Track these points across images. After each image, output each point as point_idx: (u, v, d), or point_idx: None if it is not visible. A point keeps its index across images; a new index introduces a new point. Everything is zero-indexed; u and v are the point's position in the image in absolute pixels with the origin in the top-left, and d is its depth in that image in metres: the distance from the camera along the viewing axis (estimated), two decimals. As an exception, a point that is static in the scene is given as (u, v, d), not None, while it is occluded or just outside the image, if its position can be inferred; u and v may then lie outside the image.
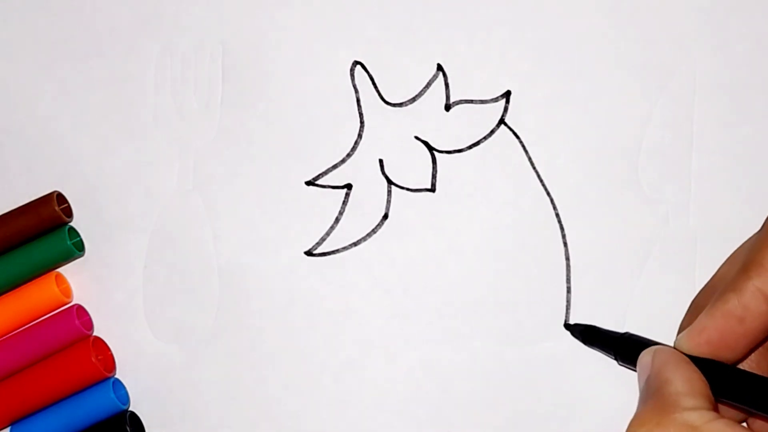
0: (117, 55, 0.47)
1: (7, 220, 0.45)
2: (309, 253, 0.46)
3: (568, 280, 0.44)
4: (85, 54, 0.47)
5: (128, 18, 0.47)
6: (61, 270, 0.46)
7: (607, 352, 0.42)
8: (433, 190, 0.45)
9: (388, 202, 0.46)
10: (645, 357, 0.37)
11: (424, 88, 0.45)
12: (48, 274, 0.46)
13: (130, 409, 0.46)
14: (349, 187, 0.46)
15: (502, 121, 0.45)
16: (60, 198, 0.46)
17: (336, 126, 0.46)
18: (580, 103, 0.44)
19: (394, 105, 0.46)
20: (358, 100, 0.46)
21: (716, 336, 0.35)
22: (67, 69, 0.47)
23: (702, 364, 0.35)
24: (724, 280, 0.38)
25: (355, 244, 0.45)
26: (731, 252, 0.43)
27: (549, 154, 0.45)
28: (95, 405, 0.45)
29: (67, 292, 0.46)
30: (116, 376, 0.46)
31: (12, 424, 0.45)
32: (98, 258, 0.47)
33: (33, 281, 0.46)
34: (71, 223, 0.47)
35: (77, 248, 0.46)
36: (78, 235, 0.46)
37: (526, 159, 0.45)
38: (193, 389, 0.46)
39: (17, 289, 0.46)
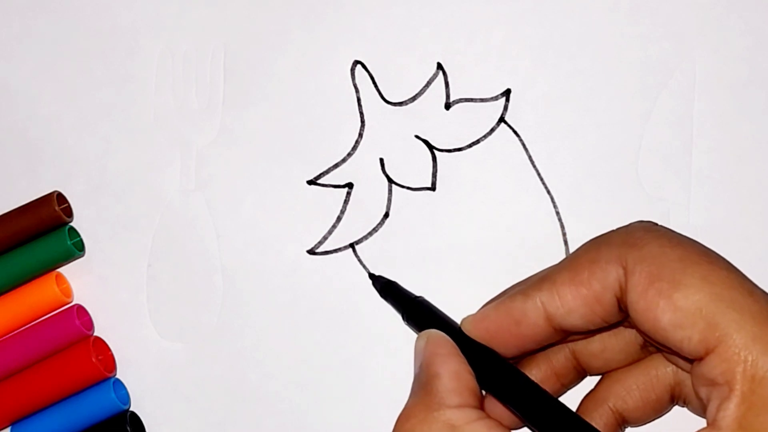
0: (118, 54, 0.47)
1: (8, 219, 0.45)
2: (311, 251, 0.46)
3: (569, 279, 0.44)
4: (86, 54, 0.47)
5: (129, 18, 0.47)
6: (61, 270, 0.46)
7: (396, 309, 0.43)
8: (433, 188, 0.45)
9: (389, 200, 0.46)
10: (419, 341, 0.38)
11: (425, 87, 0.46)
12: (48, 274, 0.46)
13: (131, 409, 0.46)
14: (350, 186, 0.46)
15: (502, 120, 0.45)
16: (60, 198, 0.46)
17: (337, 125, 0.46)
18: (580, 102, 0.45)
19: (394, 104, 0.46)
20: (358, 100, 0.46)
21: (494, 328, 0.37)
22: (68, 69, 0.47)
23: (478, 350, 0.37)
24: (533, 277, 0.39)
25: (356, 242, 0.45)
26: (730, 251, 0.44)
27: (549, 152, 0.45)
28: (95, 405, 0.45)
29: (67, 292, 0.46)
30: (117, 375, 0.46)
31: (12, 424, 0.45)
32: (99, 258, 0.47)
33: (33, 281, 0.46)
34: (72, 223, 0.47)
35: (77, 248, 0.46)
36: (78, 235, 0.46)
37: (527, 157, 0.45)
38: (195, 388, 0.46)
39: (17, 289, 0.46)
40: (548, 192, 0.45)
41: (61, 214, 0.45)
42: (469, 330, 0.38)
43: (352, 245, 0.45)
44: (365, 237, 0.45)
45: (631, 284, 0.34)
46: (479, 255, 0.45)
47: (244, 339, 0.45)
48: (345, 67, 0.46)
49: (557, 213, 0.45)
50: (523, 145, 0.45)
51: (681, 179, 0.44)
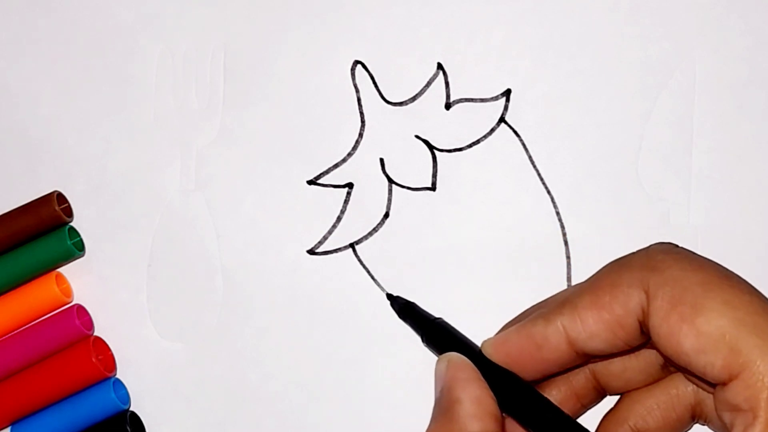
0: (118, 54, 0.47)
1: (8, 219, 0.45)
2: (311, 251, 0.46)
3: (569, 279, 0.44)
4: (86, 53, 0.47)
5: (130, 18, 0.47)
6: (61, 270, 0.46)
7: (415, 331, 0.43)
8: (433, 188, 0.45)
9: (389, 200, 0.46)
10: (440, 365, 0.38)
11: (425, 87, 0.46)
12: (48, 273, 0.46)
13: (131, 408, 0.46)
14: (350, 186, 0.46)
15: (502, 120, 0.45)
16: (60, 198, 0.46)
17: (337, 125, 0.46)
18: (580, 102, 0.45)
19: (394, 104, 0.46)
20: (358, 100, 0.46)
21: (515, 352, 0.37)
22: (69, 69, 0.47)
23: (498, 372, 0.37)
24: (553, 300, 0.39)
25: (356, 242, 0.45)
26: (730, 251, 0.44)
27: (549, 152, 0.45)
28: (95, 405, 0.45)
29: (67, 292, 0.46)
30: (117, 375, 0.46)
31: (12, 424, 0.45)
32: (99, 258, 0.47)
33: (33, 281, 0.46)
34: (72, 223, 0.47)
35: (77, 248, 0.46)
36: (78, 234, 0.46)
37: (527, 157, 0.45)
38: (195, 388, 0.46)
39: (17, 289, 0.46)
40: (548, 192, 0.45)
41: (61, 214, 0.45)
42: (490, 354, 0.38)
43: (352, 245, 0.45)
44: (365, 237, 0.45)
45: (653, 308, 0.34)
46: (479, 255, 0.45)
47: (244, 339, 0.45)
48: (345, 67, 0.46)
49: (557, 213, 0.45)
50: (524, 145, 0.45)
51: (681, 179, 0.44)
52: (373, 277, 0.45)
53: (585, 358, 0.37)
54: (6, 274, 0.45)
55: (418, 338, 0.45)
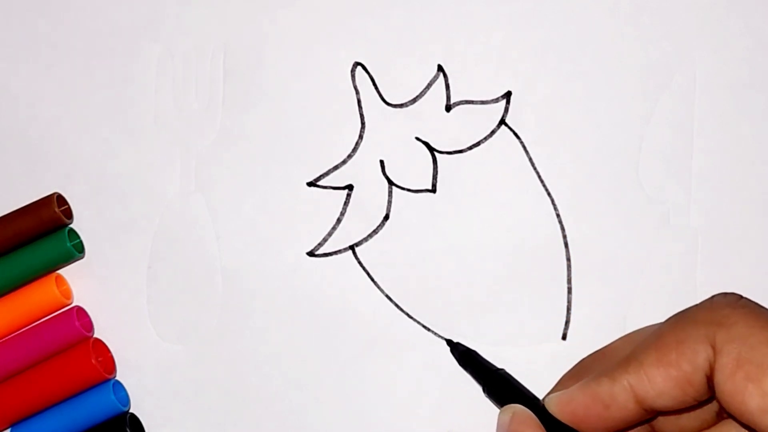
0: (118, 56, 0.47)
1: (8, 221, 0.45)
2: (311, 253, 0.46)
3: (569, 281, 0.44)
4: (86, 55, 0.47)
5: (129, 19, 0.47)
6: (61, 271, 0.46)
7: (476, 380, 0.43)
8: (433, 190, 0.45)
9: (389, 202, 0.46)
10: (503, 416, 0.38)
11: (425, 88, 0.46)
12: (48, 275, 0.46)
13: (131, 410, 0.46)
14: (350, 187, 0.46)
15: (502, 122, 0.45)
16: (60, 199, 0.46)
17: (337, 127, 0.46)
18: (580, 104, 0.45)
19: (394, 106, 0.46)
20: (358, 101, 0.46)
21: (581, 411, 0.36)
22: (68, 70, 0.47)
23: (561, 429, 0.37)
24: (614, 353, 0.39)
25: (356, 244, 0.45)
26: (731, 253, 0.44)
27: (550, 154, 0.45)
28: (95, 407, 0.45)
29: (67, 294, 0.46)
30: (117, 377, 0.46)
31: (12, 425, 0.45)
32: (99, 259, 0.47)
33: (33, 283, 0.46)
34: (72, 225, 0.47)
35: (77, 250, 0.46)
36: (78, 236, 0.46)
37: (527, 159, 0.45)
38: (195, 390, 0.46)
39: (17, 291, 0.46)
40: (549, 194, 0.45)
41: (61, 215, 0.45)
42: (554, 411, 0.37)
43: (352, 247, 0.45)
44: (365, 239, 0.45)
45: (719, 365, 0.33)
46: (479, 257, 0.45)
47: (244, 341, 0.45)
48: (345, 68, 0.46)
49: (558, 215, 0.45)
50: (524, 147, 0.45)
51: (681, 181, 0.44)
52: (373, 279, 0.45)
53: (653, 413, 0.36)
54: (6, 276, 0.45)
55: (417, 340, 0.45)
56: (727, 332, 0.34)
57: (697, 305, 0.36)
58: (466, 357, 0.43)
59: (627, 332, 0.43)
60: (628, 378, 0.35)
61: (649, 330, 0.39)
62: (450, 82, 0.45)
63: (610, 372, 0.36)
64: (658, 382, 0.35)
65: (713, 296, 0.36)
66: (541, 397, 0.39)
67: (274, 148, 0.46)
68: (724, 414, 0.38)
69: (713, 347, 0.34)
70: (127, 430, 0.44)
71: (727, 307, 0.35)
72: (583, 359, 0.40)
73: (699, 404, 0.36)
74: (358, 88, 0.46)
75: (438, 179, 0.45)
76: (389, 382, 0.45)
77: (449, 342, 0.44)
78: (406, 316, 0.45)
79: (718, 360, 0.33)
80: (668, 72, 0.44)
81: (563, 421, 0.37)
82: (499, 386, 0.41)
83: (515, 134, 0.45)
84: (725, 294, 0.36)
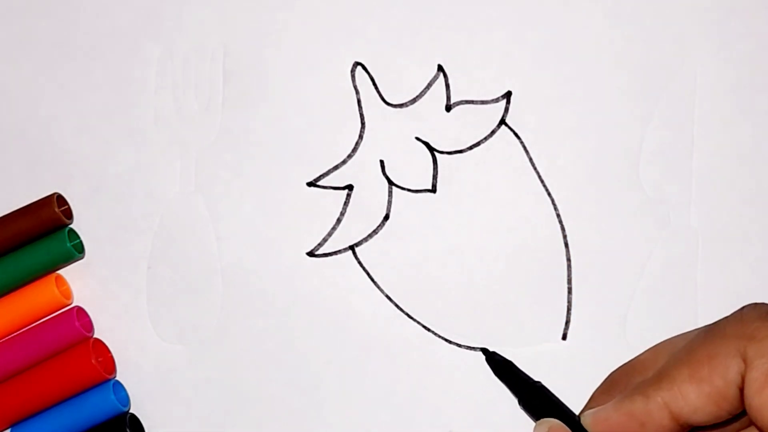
0: (118, 56, 0.47)
1: (8, 221, 0.45)
2: (311, 253, 0.46)
3: (569, 281, 0.44)
4: (86, 55, 0.47)
5: (129, 19, 0.47)
6: (61, 272, 0.46)
7: (512, 391, 0.42)
8: (433, 190, 0.45)
9: (389, 202, 0.46)
10: (540, 428, 0.38)
11: (425, 88, 0.46)
12: (48, 275, 0.46)
13: (131, 411, 0.46)
14: (350, 188, 0.46)
15: (502, 122, 0.45)
16: (60, 200, 0.46)
17: (337, 127, 0.46)
18: (581, 104, 0.45)
19: (394, 106, 0.46)
20: (358, 101, 0.46)
21: (617, 429, 0.36)
22: (68, 70, 0.47)
23: None
24: (643, 366, 0.39)
25: (356, 244, 0.45)
26: (731, 253, 0.44)
27: (550, 154, 0.45)
28: (95, 407, 0.45)
29: (67, 294, 0.46)
30: (117, 377, 0.46)
31: (12, 426, 0.45)
32: (99, 260, 0.46)
33: (33, 283, 0.46)
34: (71, 225, 0.47)
35: (77, 250, 0.46)
36: (78, 237, 0.46)
37: (527, 159, 0.45)
38: (195, 390, 0.46)
39: (17, 291, 0.46)
40: (549, 194, 0.45)
41: (61, 215, 0.45)
42: (590, 428, 0.37)
43: (352, 247, 0.45)
44: (365, 239, 0.45)
45: (749, 379, 0.33)
46: (479, 257, 0.45)
47: (244, 341, 0.45)
48: (345, 68, 0.46)
49: (558, 215, 0.45)
50: (524, 147, 0.45)
51: (682, 181, 0.44)
52: (373, 279, 0.45)
53: (688, 428, 0.36)
54: (6, 276, 0.45)
55: (417, 340, 0.45)
56: (758, 345, 0.33)
57: (726, 318, 0.36)
58: (502, 368, 0.43)
59: (627, 332, 0.43)
60: (661, 395, 0.35)
61: (676, 341, 0.39)
62: (450, 81, 0.45)
63: (643, 389, 0.36)
64: (692, 398, 0.34)
65: (743, 308, 0.36)
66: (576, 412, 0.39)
67: (273, 148, 0.46)
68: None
69: (744, 361, 0.34)
70: (127, 430, 0.44)
71: (758, 319, 0.35)
72: (613, 372, 0.40)
73: (735, 418, 0.36)
74: (358, 88, 0.46)
75: (438, 179, 0.45)
76: (389, 382, 0.45)
77: (485, 351, 0.44)
78: (406, 316, 0.45)
79: (748, 374, 0.33)
80: (668, 72, 0.44)
81: None
82: (536, 399, 0.41)
83: (515, 134, 0.45)
84: (755, 305, 0.36)
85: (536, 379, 0.42)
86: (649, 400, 0.35)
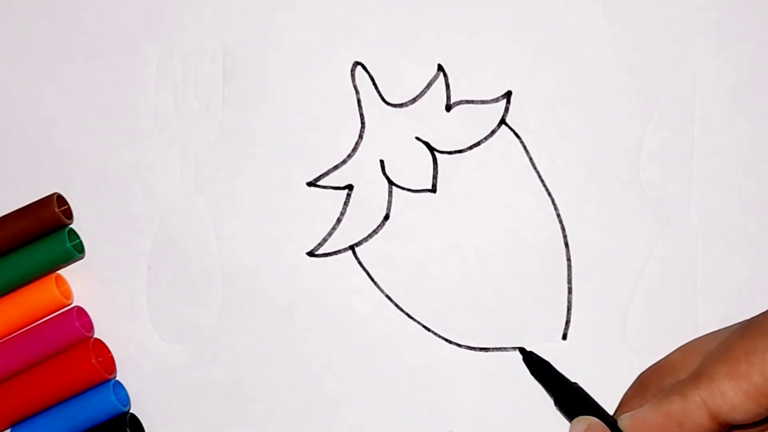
0: (118, 56, 0.47)
1: (8, 221, 0.45)
2: (311, 253, 0.46)
3: (569, 281, 0.44)
4: (85, 55, 0.47)
5: (129, 19, 0.47)
6: (61, 272, 0.46)
7: (548, 392, 0.42)
8: (434, 190, 0.45)
9: (389, 202, 0.46)
10: (578, 425, 0.38)
11: (425, 88, 0.46)
12: (48, 275, 0.46)
13: (131, 410, 0.46)
14: (350, 187, 0.46)
15: (503, 122, 0.45)
16: (60, 200, 0.46)
17: (337, 127, 0.46)
18: (581, 103, 0.45)
19: (394, 105, 0.46)
20: (358, 101, 0.46)
21: (655, 431, 0.36)
22: (68, 70, 0.47)
23: None
24: (673, 367, 0.39)
25: (356, 244, 0.45)
26: (731, 253, 0.44)
27: (550, 154, 0.45)
28: (95, 407, 0.45)
29: (67, 294, 0.46)
30: (117, 377, 0.46)
31: (12, 426, 0.45)
32: (99, 260, 0.46)
33: (33, 283, 0.46)
34: (71, 225, 0.46)
35: (77, 250, 0.46)
36: (78, 237, 0.46)
37: (527, 159, 0.45)
38: (195, 390, 0.46)
39: (17, 291, 0.46)
40: (549, 194, 0.45)
41: (61, 215, 0.45)
42: (627, 431, 0.37)
43: (352, 247, 0.45)
44: (365, 239, 0.45)
45: None
46: (479, 257, 0.45)
47: (244, 341, 0.45)
48: (345, 68, 0.46)
49: (558, 215, 0.45)
50: (524, 147, 0.45)
51: (682, 181, 0.44)
52: (373, 279, 0.45)
53: (727, 427, 0.36)
54: (6, 276, 0.45)
55: (417, 340, 0.45)
56: None
57: (763, 313, 0.36)
58: (539, 368, 0.43)
59: (627, 332, 0.43)
60: (699, 393, 0.35)
61: (707, 339, 0.39)
62: (450, 81, 0.45)
63: (680, 389, 0.36)
64: (731, 395, 0.34)
65: None
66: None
67: (273, 148, 0.46)
68: None
69: None
70: (127, 430, 0.44)
71: None
72: (642, 374, 0.40)
73: None
74: (358, 87, 0.46)
75: (438, 179, 0.45)
76: (389, 382, 0.45)
77: (522, 351, 0.44)
78: (406, 316, 0.45)
79: None
80: (668, 72, 0.44)
81: None
82: (572, 400, 0.41)
83: (515, 134, 0.45)
84: None
85: (535, 378, 0.42)
86: (687, 399, 0.35)
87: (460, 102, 0.45)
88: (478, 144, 0.45)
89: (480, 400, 0.44)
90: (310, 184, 0.46)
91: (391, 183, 0.46)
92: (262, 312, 0.45)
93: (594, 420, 0.38)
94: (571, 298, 0.44)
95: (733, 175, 0.44)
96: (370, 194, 0.46)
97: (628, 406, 0.39)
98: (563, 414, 0.41)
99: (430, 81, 0.46)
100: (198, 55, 0.47)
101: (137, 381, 0.46)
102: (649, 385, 0.39)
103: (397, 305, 0.45)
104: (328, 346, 0.45)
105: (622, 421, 0.37)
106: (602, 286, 0.44)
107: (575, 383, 0.42)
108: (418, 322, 0.45)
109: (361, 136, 0.46)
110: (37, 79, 0.47)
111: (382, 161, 0.46)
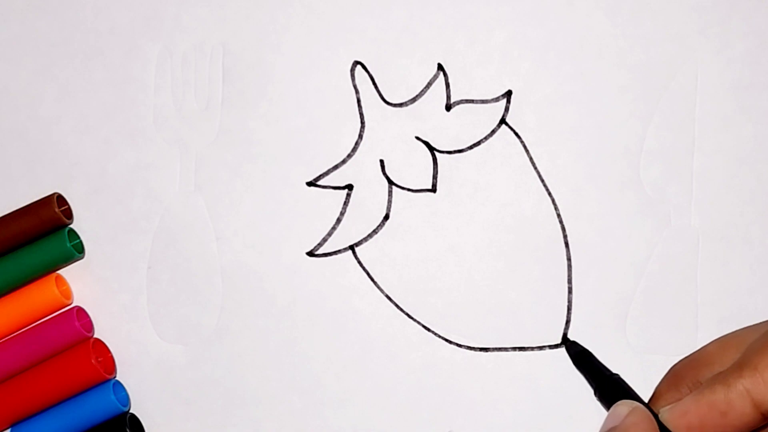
0: (118, 56, 0.47)
1: (8, 221, 0.45)
2: (311, 253, 0.46)
3: (570, 281, 0.44)
4: (85, 55, 0.47)
5: (129, 19, 0.47)
6: (61, 272, 0.46)
7: (589, 382, 0.42)
8: (434, 190, 0.45)
9: (389, 202, 0.45)
10: (620, 408, 0.38)
11: (425, 88, 0.46)
12: (48, 275, 0.46)
13: (131, 410, 0.46)
14: (350, 187, 0.46)
15: (503, 121, 0.45)
16: (60, 200, 0.46)
17: (337, 126, 0.46)
18: (581, 103, 0.44)
19: (394, 105, 0.46)
20: (358, 101, 0.46)
21: (697, 422, 0.36)
22: (68, 70, 0.47)
23: None
24: (709, 359, 0.38)
25: (356, 244, 0.45)
26: (731, 253, 0.43)
27: (550, 154, 0.45)
28: (95, 407, 0.45)
29: (67, 294, 0.46)
30: (117, 377, 0.46)
31: (12, 425, 0.45)
32: (99, 260, 0.47)
33: (33, 283, 0.46)
34: (71, 225, 0.47)
35: (77, 250, 0.46)
36: (78, 237, 0.46)
37: (528, 159, 0.45)
38: (195, 390, 0.46)
39: (17, 291, 0.46)
40: (549, 194, 0.45)
41: (61, 215, 0.45)
42: (669, 424, 0.37)
43: (351, 247, 0.45)
44: (365, 239, 0.45)
45: None
46: (479, 257, 0.45)
47: (244, 341, 0.45)
48: (345, 67, 0.46)
49: (558, 215, 0.45)
50: (524, 146, 0.45)
51: (683, 181, 0.44)
52: (373, 279, 0.45)
53: None
54: (6, 276, 0.45)
55: (417, 340, 0.45)
56: None
57: None
58: (581, 357, 0.43)
59: (627, 332, 0.43)
60: (743, 383, 0.35)
61: (745, 333, 0.38)
62: (450, 81, 0.45)
63: (723, 378, 0.35)
64: None
65: None
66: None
67: (273, 148, 0.46)
68: None
69: None
70: (127, 430, 0.44)
71: None
72: (675, 367, 0.40)
73: None
74: (358, 87, 0.46)
75: (438, 179, 0.45)
76: (389, 382, 0.45)
77: (565, 339, 0.44)
78: (406, 316, 0.45)
79: None
80: (669, 72, 0.44)
81: None
82: (613, 391, 0.40)
83: (516, 134, 0.45)
84: None
85: (537, 379, 0.42)
86: (731, 389, 0.35)
87: (460, 101, 0.45)
88: (478, 144, 0.45)
89: (480, 400, 0.44)
90: (310, 183, 0.46)
91: (391, 183, 0.45)
92: (262, 312, 0.46)
93: (639, 406, 0.38)
94: (571, 298, 0.44)
95: (733, 175, 0.44)
96: (370, 194, 0.45)
97: (663, 399, 0.39)
98: (603, 404, 0.41)
99: (430, 80, 0.45)
100: (197, 54, 0.47)
101: (137, 381, 0.46)
102: (683, 378, 0.39)
103: (396, 305, 0.45)
104: (328, 346, 0.45)
105: (663, 414, 0.37)
106: (602, 286, 0.44)
107: (616, 374, 0.41)
108: (418, 322, 0.45)
109: (360, 136, 0.46)
110: (37, 79, 0.47)
111: (382, 161, 0.46)
